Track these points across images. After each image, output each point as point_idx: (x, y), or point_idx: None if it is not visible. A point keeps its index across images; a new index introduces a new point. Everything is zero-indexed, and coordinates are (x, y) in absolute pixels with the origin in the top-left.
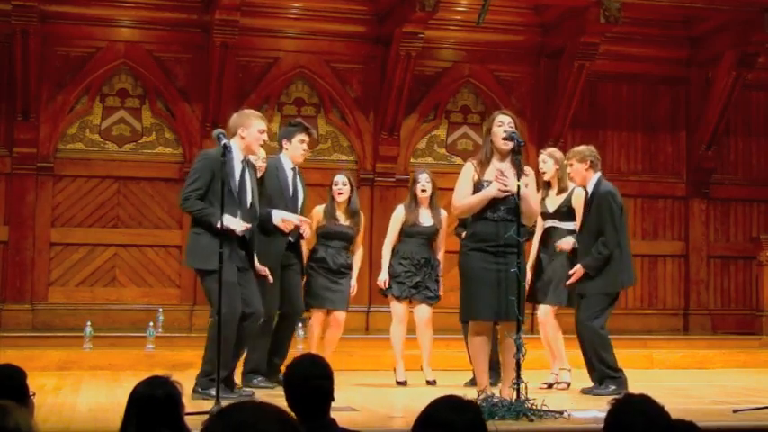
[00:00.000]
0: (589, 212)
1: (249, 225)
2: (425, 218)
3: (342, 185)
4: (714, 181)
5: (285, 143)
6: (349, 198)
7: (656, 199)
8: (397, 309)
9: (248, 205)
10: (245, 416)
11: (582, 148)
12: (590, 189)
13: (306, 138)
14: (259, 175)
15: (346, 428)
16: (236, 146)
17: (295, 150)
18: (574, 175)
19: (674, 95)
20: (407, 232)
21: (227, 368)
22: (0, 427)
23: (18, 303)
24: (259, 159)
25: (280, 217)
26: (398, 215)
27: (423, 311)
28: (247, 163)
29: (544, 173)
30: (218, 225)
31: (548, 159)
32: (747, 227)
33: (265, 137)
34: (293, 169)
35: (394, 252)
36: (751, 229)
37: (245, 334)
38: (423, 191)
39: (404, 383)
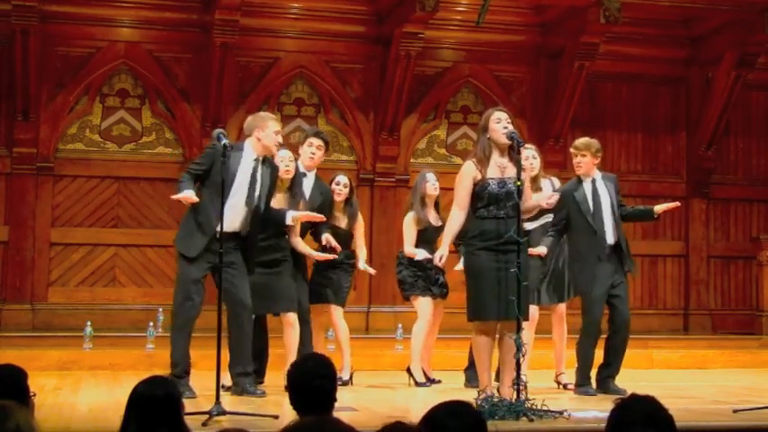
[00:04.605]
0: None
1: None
2: (434, 218)
3: (343, 186)
4: (714, 181)
5: (300, 149)
6: (347, 199)
7: (656, 199)
8: (430, 308)
9: (252, 204)
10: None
11: (594, 141)
12: (599, 177)
13: (313, 140)
14: (287, 177)
15: None
16: (249, 146)
17: (304, 155)
18: (583, 165)
19: (674, 95)
20: (420, 236)
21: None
22: (1, 428)
23: (18, 303)
24: (285, 160)
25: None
26: (413, 220)
27: (440, 309)
28: (265, 163)
29: (532, 168)
30: (177, 195)
31: (537, 156)
32: (747, 227)
33: (280, 138)
34: (304, 174)
35: (399, 258)
36: (751, 229)
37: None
38: (435, 189)
39: (427, 385)
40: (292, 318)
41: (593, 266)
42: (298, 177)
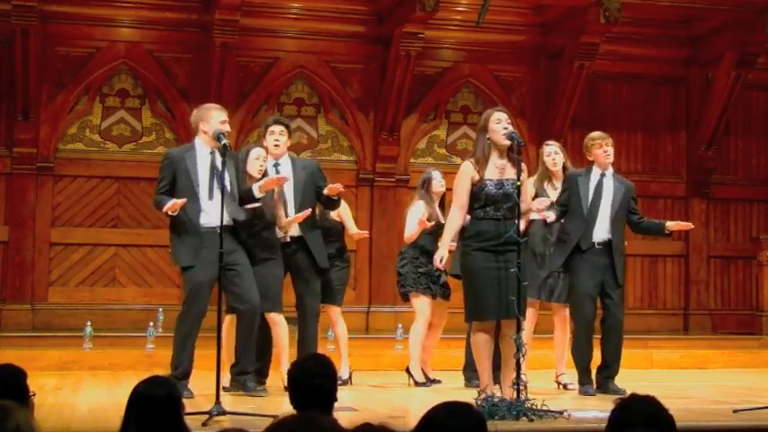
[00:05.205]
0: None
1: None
2: (440, 215)
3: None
4: (714, 181)
5: (264, 142)
6: None
7: (657, 199)
8: (429, 307)
9: (222, 196)
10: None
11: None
12: (610, 173)
13: (275, 128)
14: (259, 174)
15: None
16: (199, 141)
17: (269, 145)
18: (611, 154)
19: (674, 95)
20: (426, 231)
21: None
22: (1, 428)
23: (18, 303)
24: (261, 159)
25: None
26: (423, 211)
27: (444, 310)
28: (223, 154)
29: (555, 163)
30: (164, 208)
31: (559, 151)
32: (747, 227)
33: (227, 127)
34: (277, 164)
35: (403, 253)
36: (751, 229)
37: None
38: (441, 186)
39: (427, 385)
40: (276, 317)
41: (573, 248)
42: (266, 173)
